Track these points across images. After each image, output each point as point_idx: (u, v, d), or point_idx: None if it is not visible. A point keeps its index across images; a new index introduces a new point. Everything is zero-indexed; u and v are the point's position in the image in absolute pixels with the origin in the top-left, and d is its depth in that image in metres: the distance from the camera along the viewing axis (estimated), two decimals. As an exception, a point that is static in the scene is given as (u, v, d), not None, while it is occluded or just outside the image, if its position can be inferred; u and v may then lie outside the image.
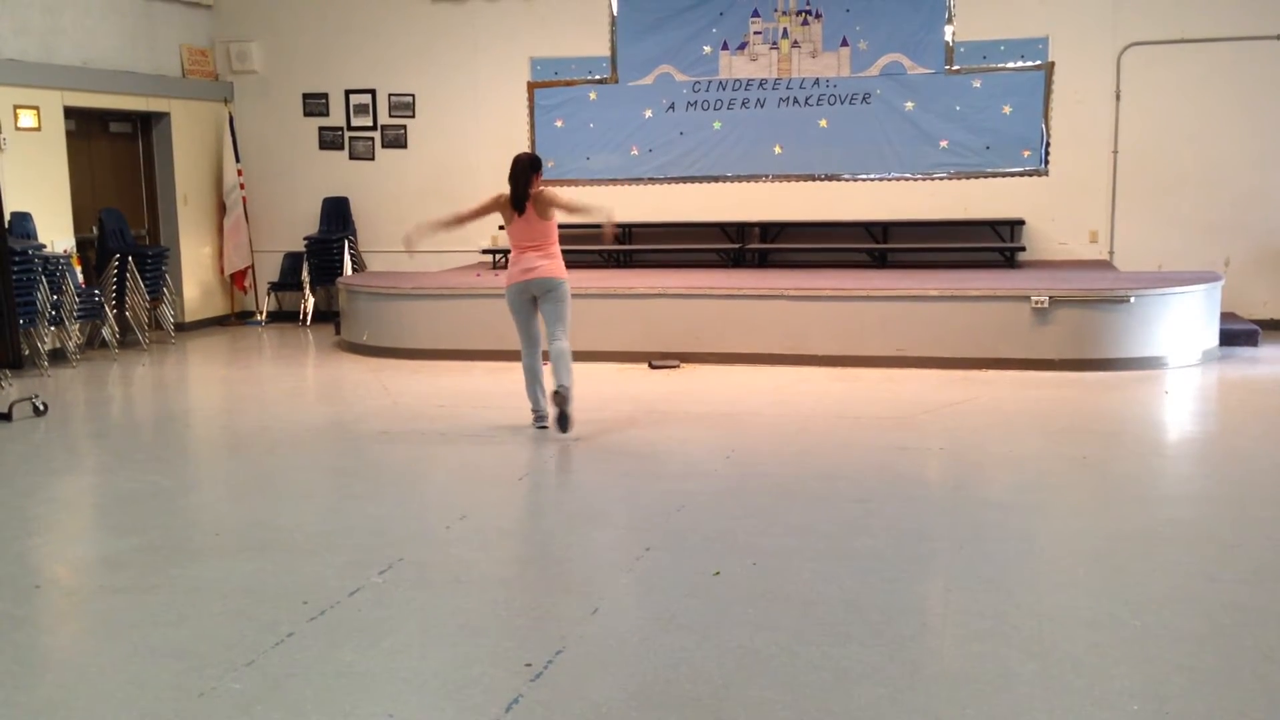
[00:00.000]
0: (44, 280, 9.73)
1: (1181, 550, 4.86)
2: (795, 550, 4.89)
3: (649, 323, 9.67)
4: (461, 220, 7.27)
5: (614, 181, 12.14)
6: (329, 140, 12.91)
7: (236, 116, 12.88)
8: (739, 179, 11.88)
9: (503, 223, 7.32)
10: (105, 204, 11.53)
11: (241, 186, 12.78)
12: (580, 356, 9.59)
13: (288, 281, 12.94)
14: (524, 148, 12.26)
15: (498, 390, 8.49)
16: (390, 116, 12.71)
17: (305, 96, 12.89)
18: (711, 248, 11.75)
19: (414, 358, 10.06)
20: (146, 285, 11.21)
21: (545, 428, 7.18)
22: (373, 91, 12.70)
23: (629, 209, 12.04)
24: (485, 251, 12.25)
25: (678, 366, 9.48)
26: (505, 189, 7.05)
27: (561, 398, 6.97)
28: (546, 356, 7.22)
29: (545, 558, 5.07)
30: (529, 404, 7.29)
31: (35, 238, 10.09)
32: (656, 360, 9.53)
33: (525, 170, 6.97)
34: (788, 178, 11.78)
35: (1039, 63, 11.13)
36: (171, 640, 4.05)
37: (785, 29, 11.63)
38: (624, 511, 5.73)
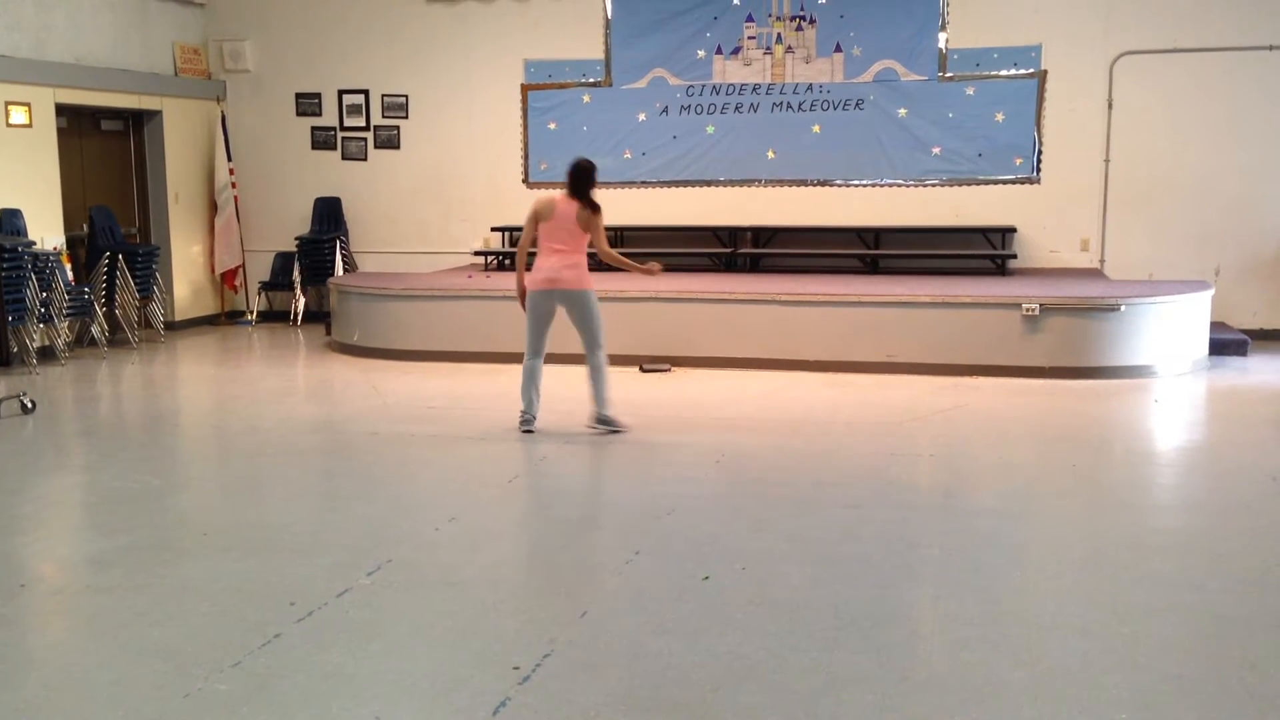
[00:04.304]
0: (33, 277, 9.70)
1: (1169, 559, 4.88)
2: (785, 555, 4.90)
3: (640, 326, 9.66)
4: (526, 254, 7.32)
5: (607, 185, 12.07)
6: (321, 140, 12.88)
7: (229, 115, 12.85)
8: (732, 183, 11.88)
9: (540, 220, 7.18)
10: (96, 201, 11.51)
11: (233, 185, 12.75)
12: (572, 360, 9.65)
13: (279, 281, 12.91)
14: (517, 150, 12.27)
15: (488, 392, 8.48)
16: (383, 117, 12.69)
17: (298, 96, 12.86)
18: (704, 252, 11.75)
19: (404, 359, 10.04)
20: (136, 283, 11.18)
21: (531, 431, 7.19)
22: (366, 92, 12.68)
23: (622, 213, 12.04)
24: (477, 254, 12.24)
25: (669, 370, 9.47)
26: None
27: (602, 421, 7.16)
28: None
29: (534, 560, 5.06)
30: (520, 404, 7.28)
31: (25, 234, 10.05)
32: (647, 364, 9.53)
33: (589, 174, 7.19)
34: (780, 183, 11.79)
35: (1031, 71, 11.16)
36: (158, 640, 4.03)
37: (779, 34, 11.63)
38: (613, 515, 5.73)
